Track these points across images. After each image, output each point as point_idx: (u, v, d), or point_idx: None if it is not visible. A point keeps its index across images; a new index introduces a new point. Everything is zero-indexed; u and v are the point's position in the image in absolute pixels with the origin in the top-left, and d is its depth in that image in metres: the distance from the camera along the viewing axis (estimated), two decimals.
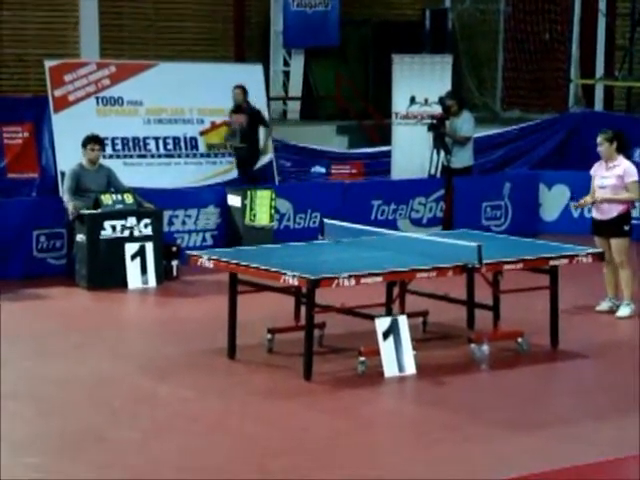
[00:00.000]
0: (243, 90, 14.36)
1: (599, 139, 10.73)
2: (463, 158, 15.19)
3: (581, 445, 7.34)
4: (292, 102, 21.41)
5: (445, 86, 15.91)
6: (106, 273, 11.83)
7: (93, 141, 12.27)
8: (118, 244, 11.91)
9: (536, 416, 7.98)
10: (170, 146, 14.74)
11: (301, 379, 8.63)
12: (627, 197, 10.66)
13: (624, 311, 10.66)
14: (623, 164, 10.69)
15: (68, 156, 13.20)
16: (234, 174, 14.91)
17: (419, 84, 16.16)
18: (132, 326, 10.92)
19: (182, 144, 14.80)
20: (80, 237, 11.94)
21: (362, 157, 17.15)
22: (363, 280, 8.60)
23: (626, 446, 7.24)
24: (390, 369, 8.75)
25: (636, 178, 10.65)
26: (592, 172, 10.92)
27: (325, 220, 10.29)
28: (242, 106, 14.29)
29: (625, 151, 10.85)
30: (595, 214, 10.79)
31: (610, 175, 10.65)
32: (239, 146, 14.32)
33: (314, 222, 13.74)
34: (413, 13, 21.56)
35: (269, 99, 17.58)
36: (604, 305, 10.88)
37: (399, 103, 16.27)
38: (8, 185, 14.50)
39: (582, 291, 11.09)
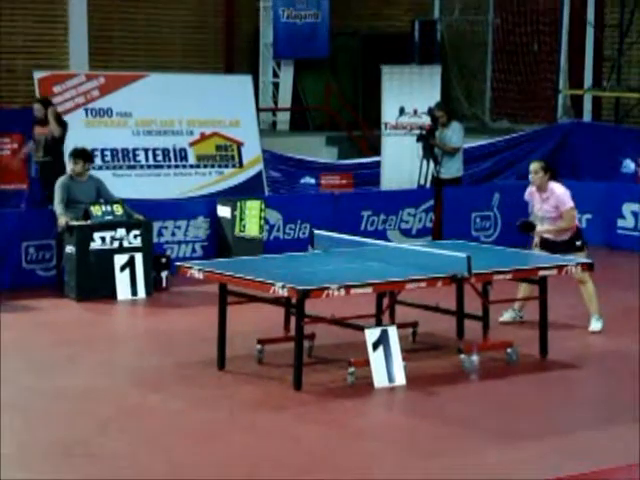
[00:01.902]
0: (43, 104, 13.32)
1: (535, 166, 10.51)
2: (452, 169, 15.22)
3: (573, 455, 7.34)
4: (281, 113, 21.44)
5: (434, 97, 15.96)
6: (95, 284, 11.81)
7: (74, 156, 12.16)
8: (107, 255, 11.89)
9: (527, 426, 7.98)
10: (160, 157, 14.74)
11: (291, 390, 8.63)
12: (562, 226, 10.52)
13: (596, 325, 10.58)
14: (554, 193, 10.47)
15: None
16: (224, 185, 14.91)
17: (408, 95, 16.20)
18: (121, 337, 10.89)
19: (171, 155, 14.80)
20: (69, 248, 11.92)
21: (352, 168, 17.17)
22: (353, 291, 8.60)
23: (620, 456, 7.25)
24: (380, 380, 8.75)
25: (569, 205, 10.45)
26: (527, 198, 10.77)
27: (315, 231, 10.30)
28: (43, 119, 13.47)
29: (555, 176, 10.62)
30: (547, 235, 10.68)
31: (547, 207, 10.51)
32: (42, 160, 13.29)
33: (304, 233, 13.75)
34: (402, 24, 21.63)
35: (259, 110, 17.60)
36: (507, 316, 10.82)
37: (388, 114, 16.30)
38: None
39: (570, 301, 11.10)
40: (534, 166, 10.56)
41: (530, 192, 10.74)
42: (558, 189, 10.54)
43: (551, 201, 10.50)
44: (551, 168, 10.63)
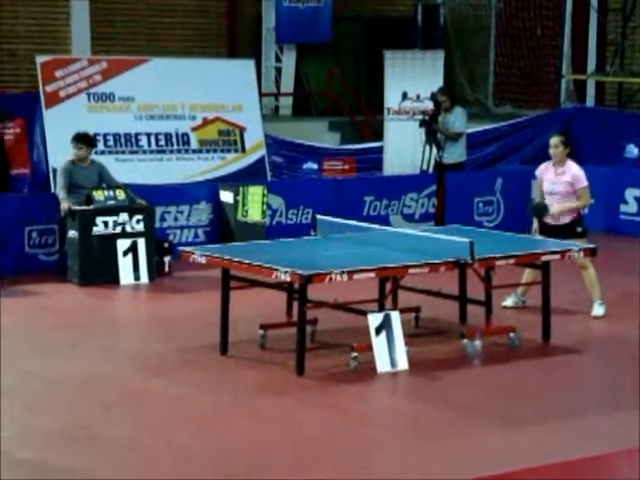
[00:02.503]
0: None
1: (555, 141, 10.48)
2: (455, 154, 15.20)
3: (575, 440, 7.35)
4: (284, 98, 21.39)
5: (437, 82, 15.91)
6: (98, 269, 11.81)
7: (77, 140, 12.20)
8: (110, 240, 11.89)
9: (530, 411, 7.99)
10: (162, 142, 14.70)
11: (294, 375, 8.63)
12: (579, 205, 10.51)
13: (599, 310, 10.57)
14: (571, 169, 10.48)
15: (60, 152, 13.15)
16: (226, 170, 14.90)
17: (411, 80, 16.16)
18: (124, 322, 10.91)
19: (174, 140, 14.76)
20: (72, 233, 11.92)
21: (354, 153, 17.14)
22: (355, 276, 8.59)
23: (621, 441, 7.26)
24: (383, 365, 8.76)
25: (586, 183, 10.46)
26: (538, 174, 10.71)
27: (317, 216, 10.29)
28: None
29: (572, 156, 10.64)
30: (547, 219, 10.68)
31: (559, 181, 10.47)
32: None
33: (306, 218, 13.74)
34: (405, 9, 21.57)
35: (261, 95, 17.56)
36: (509, 301, 10.81)
37: (391, 99, 16.27)
38: None
39: (573, 286, 11.10)
40: (554, 140, 10.52)
41: (545, 167, 10.68)
42: (575, 166, 10.55)
43: (566, 176, 10.47)
44: (571, 144, 10.61)
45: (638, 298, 11.08)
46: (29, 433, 7.43)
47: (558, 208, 10.48)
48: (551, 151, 10.57)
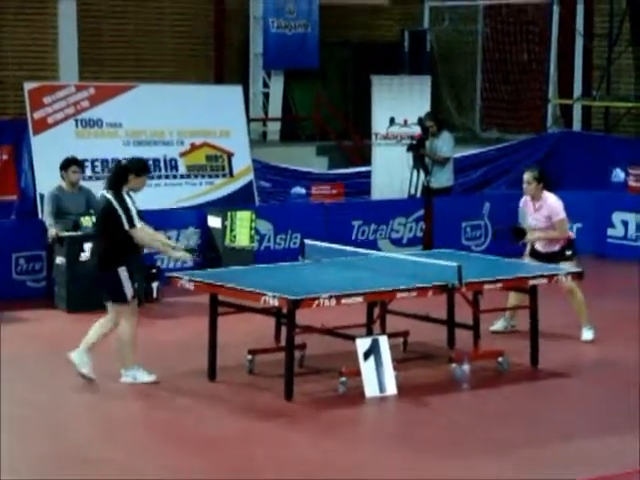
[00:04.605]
0: None
1: (527, 177, 10.53)
2: (442, 178, 15.24)
3: (566, 464, 7.35)
4: (272, 123, 21.44)
5: (424, 107, 15.97)
6: (86, 296, 11.75)
7: (74, 163, 12.27)
8: None
9: (519, 435, 7.98)
10: (150, 167, 14.70)
11: (282, 400, 8.62)
12: (556, 236, 10.56)
13: (588, 334, 10.58)
14: (547, 202, 10.52)
15: (47, 178, 13.14)
16: (214, 195, 14.90)
17: (398, 105, 16.21)
18: (112, 348, 10.86)
19: (162, 165, 14.77)
20: (59, 259, 11.90)
21: (342, 178, 17.16)
22: (344, 300, 8.59)
23: (611, 464, 7.26)
24: (371, 389, 8.75)
25: (562, 216, 10.50)
26: (521, 206, 10.80)
27: (306, 241, 10.30)
28: None
29: (548, 187, 10.64)
30: (537, 246, 10.72)
31: (539, 217, 10.56)
32: None
33: (295, 243, 13.74)
34: (392, 35, 21.66)
35: (249, 120, 17.59)
36: (498, 325, 10.83)
37: (379, 124, 16.32)
38: None
39: (562, 310, 11.10)
40: (527, 176, 10.58)
41: (525, 201, 10.77)
42: (551, 199, 10.57)
43: (543, 211, 10.53)
44: (545, 177, 10.64)
45: (626, 322, 11.09)
46: (18, 459, 7.39)
47: (536, 234, 10.54)
48: (524, 187, 10.62)
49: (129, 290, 9.08)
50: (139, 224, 9.16)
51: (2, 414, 8.25)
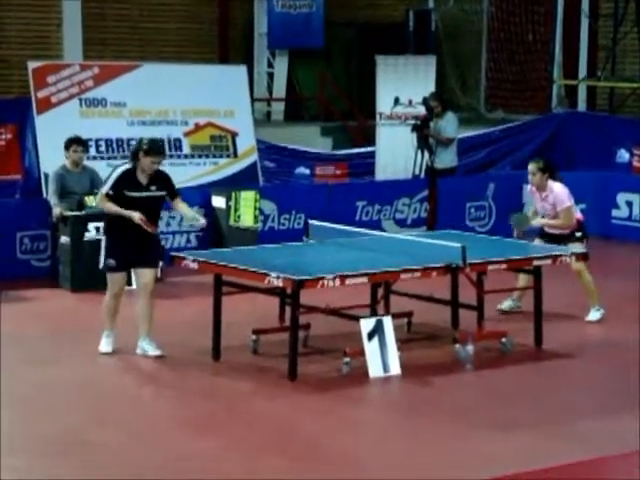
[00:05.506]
0: None
1: (532, 168, 10.53)
2: (447, 159, 15.22)
3: (569, 443, 7.36)
4: (276, 103, 21.41)
5: (429, 87, 15.94)
6: (90, 275, 11.74)
7: (75, 143, 12.26)
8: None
9: (523, 415, 7.99)
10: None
11: (286, 380, 8.63)
12: (561, 224, 10.55)
13: (594, 315, 10.61)
14: (553, 192, 10.50)
15: (51, 158, 13.14)
16: (218, 175, 14.89)
17: (403, 85, 16.17)
18: (116, 328, 10.87)
19: (166, 145, 14.76)
20: (64, 239, 11.91)
21: (346, 158, 17.15)
22: (348, 281, 8.60)
23: (614, 444, 7.27)
24: (375, 370, 8.76)
25: (567, 204, 10.49)
26: (528, 195, 10.84)
27: (310, 221, 10.29)
28: None
29: (554, 175, 10.62)
30: (547, 228, 10.73)
31: (546, 205, 10.57)
32: None
33: (299, 223, 13.74)
34: (397, 14, 21.60)
35: (253, 100, 17.58)
36: (506, 304, 10.84)
37: (383, 104, 16.28)
38: None
39: (568, 290, 11.11)
40: (531, 167, 10.58)
41: (531, 190, 10.77)
42: (557, 188, 10.56)
43: (549, 199, 10.53)
44: (550, 167, 10.62)
45: (630, 303, 11.09)
46: (18, 439, 7.41)
47: (540, 221, 10.56)
48: (529, 178, 10.62)
49: (102, 260, 9.33)
50: (105, 191, 9.24)
51: (2, 392, 8.27)
